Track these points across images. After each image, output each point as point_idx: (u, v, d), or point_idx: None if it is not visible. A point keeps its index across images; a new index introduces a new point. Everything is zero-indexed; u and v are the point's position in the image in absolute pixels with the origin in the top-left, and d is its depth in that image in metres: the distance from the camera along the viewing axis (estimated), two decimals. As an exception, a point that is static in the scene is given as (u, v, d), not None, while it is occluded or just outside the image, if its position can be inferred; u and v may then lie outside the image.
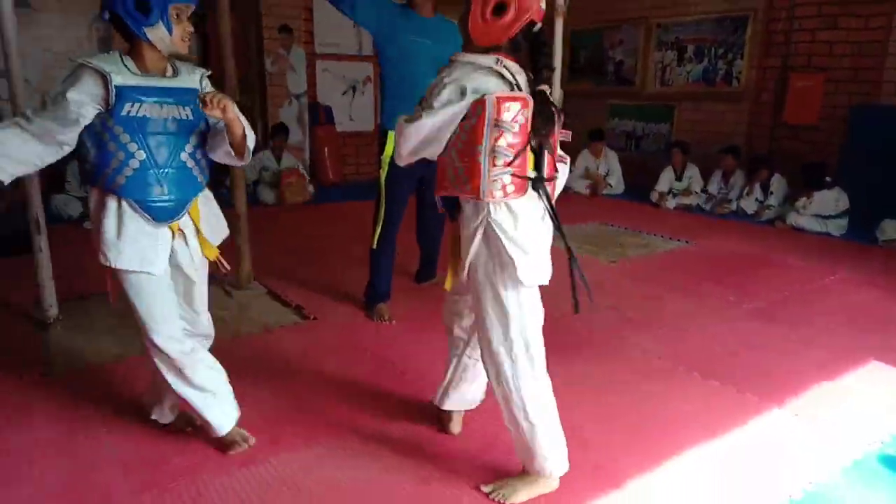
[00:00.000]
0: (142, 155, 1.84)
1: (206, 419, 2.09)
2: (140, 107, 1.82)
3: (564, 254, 1.87)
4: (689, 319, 3.37)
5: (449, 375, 2.22)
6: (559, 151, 1.92)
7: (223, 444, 2.13)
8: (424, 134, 1.80)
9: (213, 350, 2.97)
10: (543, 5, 1.82)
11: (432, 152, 1.86)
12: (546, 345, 1.97)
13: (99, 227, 1.88)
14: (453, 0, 2.47)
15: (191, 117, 1.92)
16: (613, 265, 4.44)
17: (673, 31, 7.45)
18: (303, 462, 2.08)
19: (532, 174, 1.79)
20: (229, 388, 2.16)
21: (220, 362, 2.71)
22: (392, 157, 3.20)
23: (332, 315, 3.38)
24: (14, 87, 2.91)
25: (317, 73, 7.44)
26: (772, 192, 6.02)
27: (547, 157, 1.82)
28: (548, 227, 1.90)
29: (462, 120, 1.74)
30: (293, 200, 6.40)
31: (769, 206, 5.99)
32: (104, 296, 3.51)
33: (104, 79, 1.77)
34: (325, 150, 7.44)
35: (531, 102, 1.74)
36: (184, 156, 1.92)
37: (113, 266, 1.89)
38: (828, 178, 5.49)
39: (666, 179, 6.68)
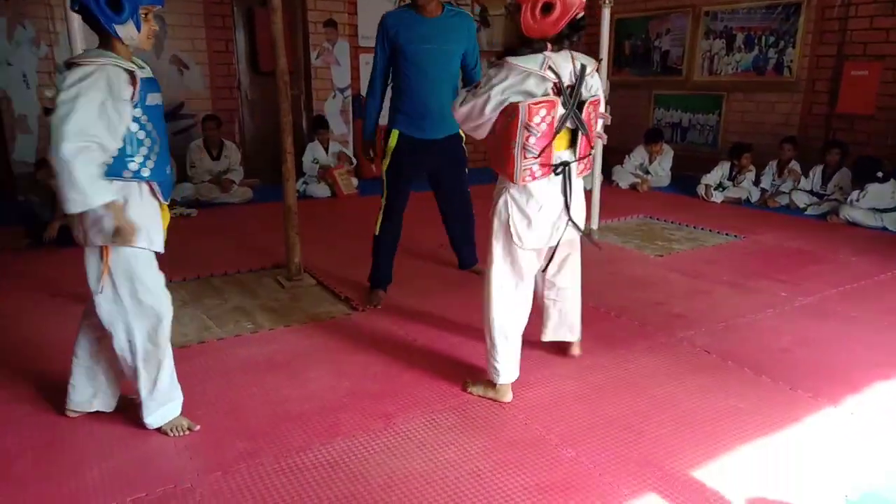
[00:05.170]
0: (158, 139, 2.01)
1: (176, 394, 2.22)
2: (155, 96, 2.01)
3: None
4: (740, 315, 3.33)
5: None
6: (601, 110, 2.31)
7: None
8: (473, 115, 2.21)
9: (269, 337, 3.09)
10: None
11: (479, 133, 2.28)
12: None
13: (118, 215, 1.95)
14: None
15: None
16: (661, 259, 4.40)
17: (722, 20, 7.29)
18: (360, 450, 2.14)
19: (557, 160, 2.20)
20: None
21: (274, 350, 2.83)
22: (394, 149, 3.29)
23: (381, 306, 3.44)
24: None
25: (360, 67, 7.51)
26: (839, 186, 5.80)
27: (581, 138, 2.22)
28: (560, 202, 2.29)
29: (501, 115, 2.13)
30: (348, 192, 6.47)
31: (828, 197, 5.81)
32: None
33: (131, 75, 1.92)
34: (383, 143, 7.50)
35: (558, 102, 2.10)
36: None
37: (150, 249, 2.06)
38: (879, 173, 5.31)
39: (718, 174, 6.51)
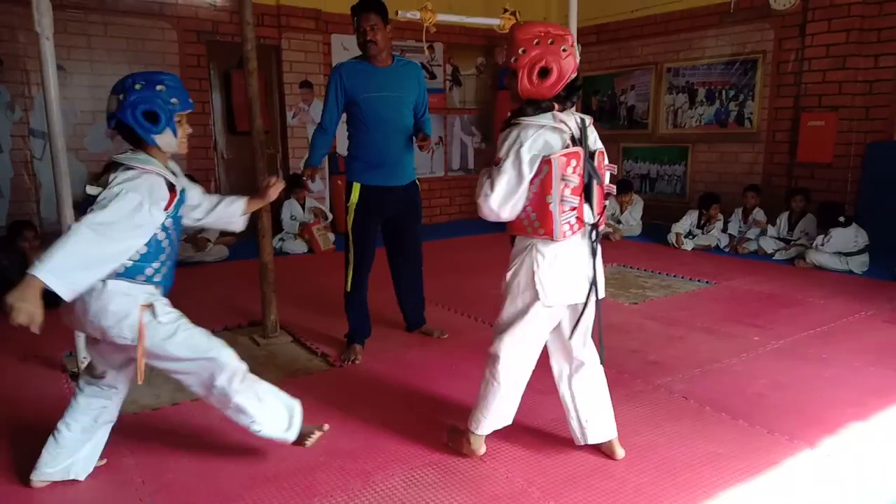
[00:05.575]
0: (175, 247, 2.12)
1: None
2: (184, 207, 2.13)
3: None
4: (715, 360, 3.36)
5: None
6: (606, 182, 2.25)
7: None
8: (512, 187, 2.12)
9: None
10: (578, 61, 2.14)
11: (518, 207, 2.15)
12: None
13: (128, 317, 1.97)
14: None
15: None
16: (635, 306, 4.45)
17: (683, 75, 7.60)
18: (336, 509, 2.09)
19: (589, 218, 2.17)
20: None
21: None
22: (357, 204, 3.32)
23: (359, 361, 3.41)
24: (55, 147, 3.04)
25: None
26: (805, 232, 5.97)
27: (596, 188, 2.17)
28: (584, 259, 2.21)
29: (533, 176, 2.09)
30: (326, 247, 6.50)
31: (794, 242, 5.97)
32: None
33: (171, 186, 2.02)
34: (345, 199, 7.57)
35: (581, 152, 2.10)
36: None
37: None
38: (841, 218, 5.49)
39: (687, 222, 6.68)
